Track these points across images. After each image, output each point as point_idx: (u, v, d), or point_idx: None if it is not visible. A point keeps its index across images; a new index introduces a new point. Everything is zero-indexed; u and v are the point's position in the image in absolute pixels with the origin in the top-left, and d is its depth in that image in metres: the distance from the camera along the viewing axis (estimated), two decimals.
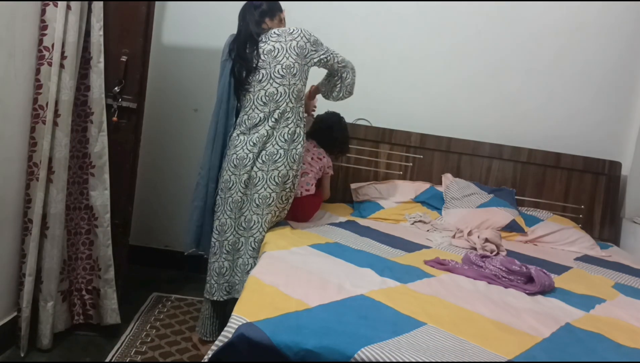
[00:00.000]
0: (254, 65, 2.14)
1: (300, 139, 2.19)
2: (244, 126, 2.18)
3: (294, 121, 2.17)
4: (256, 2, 2.25)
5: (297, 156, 2.17)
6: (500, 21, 3.01)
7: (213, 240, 2.22)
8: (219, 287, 2.20)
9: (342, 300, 1.47)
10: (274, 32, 2.18)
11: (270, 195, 2.15)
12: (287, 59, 2.12)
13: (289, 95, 2.14)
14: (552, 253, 2.51)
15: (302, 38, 2.16)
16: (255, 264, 2.06)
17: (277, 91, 2.13)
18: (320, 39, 2.23)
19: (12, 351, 2.04)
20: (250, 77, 2.16)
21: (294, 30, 2.17)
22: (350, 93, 2.35)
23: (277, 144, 2.14)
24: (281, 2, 2.30)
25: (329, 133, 2.59)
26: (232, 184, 2.17)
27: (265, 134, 2.14)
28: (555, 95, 3.06)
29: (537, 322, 1.51)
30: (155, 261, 3.10)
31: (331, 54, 2.24)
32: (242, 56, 2.16)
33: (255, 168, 2.15)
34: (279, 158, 2.14)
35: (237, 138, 2.19)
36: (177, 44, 3.02)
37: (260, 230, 2.16)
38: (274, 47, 2.14)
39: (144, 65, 2.24)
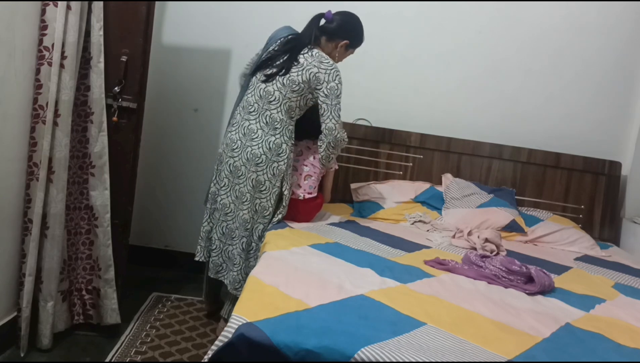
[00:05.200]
0: (276, 63, 2.22)
1: (285, 157, 2.21)
2: (242, 107, 2.28)
3: (282, 133, 2.20)
4: (330, 16, 2.28)
5: (277, 171, 2.20)
6: (500, 21, 3.00)
7: (207, 206, 2.37)
8: (201, 249, 2.38)
9: (342, 300, 1.47)
10: (315, 52, 2.20)
11: (245, 194, 2.22)
12: (297, 76, 2.18)
13: (281, 104, 2.20)
14: (552, 253, 2.51)
15: (326, 74, 2.16)
16: (221, 247, 2.30)
17: (274, 93, 2.20)
18: (341, 93, 2.18)
19: (12, 351, 2.04)
20: (262, 70, 2.25)
21: (328, 62, 2.18)
22: (322, 164, 2.32)
23: (262, 149, 2.19)
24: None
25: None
26: (223, 159, 2.29)
27: (255, 131, 2.20)
28: (555, 95, 3.05)
29: (537, 322, 1.51)
30: (155, 261, 3.10)
31: (331, 112, 2.16)
32: (279, 49, 2.25)
33: (240, 160, 2.22)
34: (261, 162, 2.19)
35: (235, 117, 2.31)
36: (177, 44, 3.02)
37: (234, 219, 2.25)
38: (300, 62, 2.19)
39: (144, 65, 2.24)
